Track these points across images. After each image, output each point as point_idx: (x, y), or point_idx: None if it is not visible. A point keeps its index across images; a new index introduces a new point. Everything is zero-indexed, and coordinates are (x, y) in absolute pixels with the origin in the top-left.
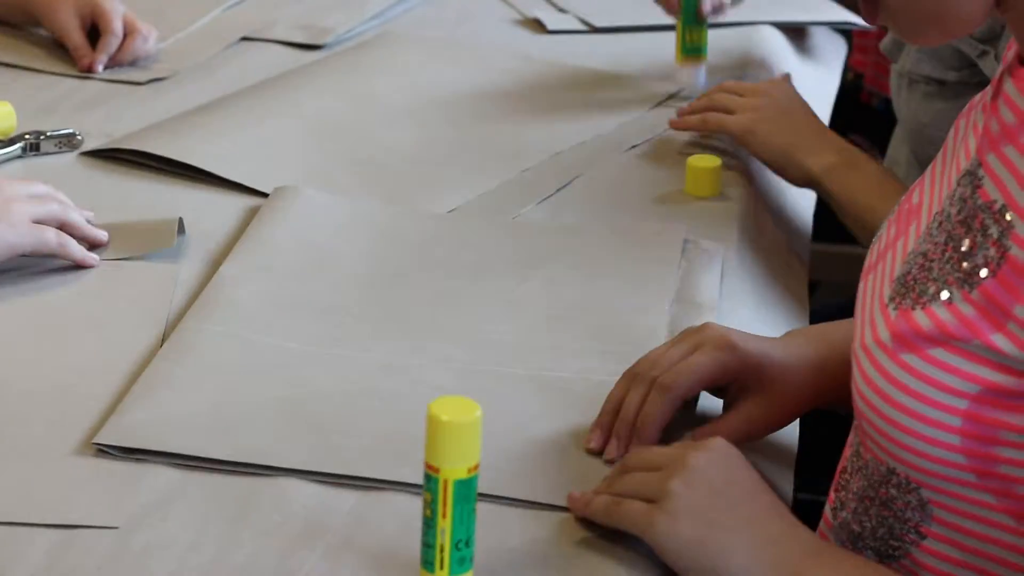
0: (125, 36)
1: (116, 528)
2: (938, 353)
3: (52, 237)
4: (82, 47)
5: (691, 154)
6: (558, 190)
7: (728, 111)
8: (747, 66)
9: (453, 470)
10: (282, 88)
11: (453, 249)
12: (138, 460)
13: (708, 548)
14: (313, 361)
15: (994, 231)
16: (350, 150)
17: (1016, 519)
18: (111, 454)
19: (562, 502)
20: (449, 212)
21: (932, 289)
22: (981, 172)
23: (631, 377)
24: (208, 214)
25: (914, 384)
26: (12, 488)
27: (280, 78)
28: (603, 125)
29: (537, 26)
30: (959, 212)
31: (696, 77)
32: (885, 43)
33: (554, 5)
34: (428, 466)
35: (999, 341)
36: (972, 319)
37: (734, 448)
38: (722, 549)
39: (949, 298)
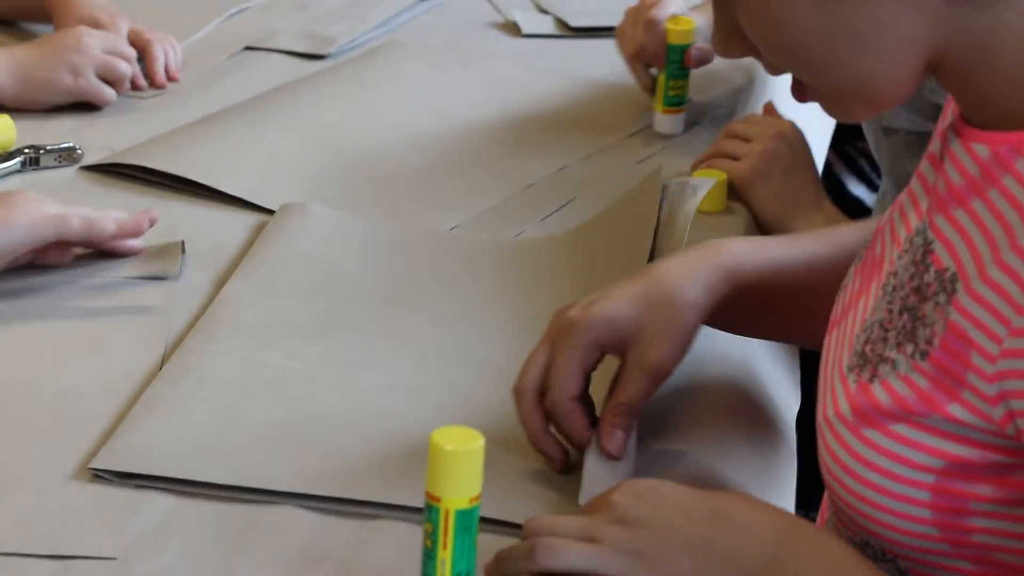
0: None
1: (113, 559)
2: (900, 429)
3: (75, 222)
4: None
5: (696, 169)
6: (561, 207)
7: (735, 157)
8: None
9: (455, 500)
10: (284, 100)
11: (457, 269)
12: (136, 487)
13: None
14: (314, 382)
15: (942, 298)
16: (353, 165)
17: None
18: (107, 479)
19: None
20: (451, 229)
21: (888, 361)
22: (931, 235)
23: (516, 395)
24: (210, 230)
25: (878, 460)
26: (6, 515)
27: (282, 90)
28: (607, 138)
29: (547, 31)
30: (911, 278)
31: (677, 125)
32: None
33: (561, 21)
34: (429, 495)
35: (957, 411)
36: (928, 391)
37: (647, 481)
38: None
39: (904, 370)
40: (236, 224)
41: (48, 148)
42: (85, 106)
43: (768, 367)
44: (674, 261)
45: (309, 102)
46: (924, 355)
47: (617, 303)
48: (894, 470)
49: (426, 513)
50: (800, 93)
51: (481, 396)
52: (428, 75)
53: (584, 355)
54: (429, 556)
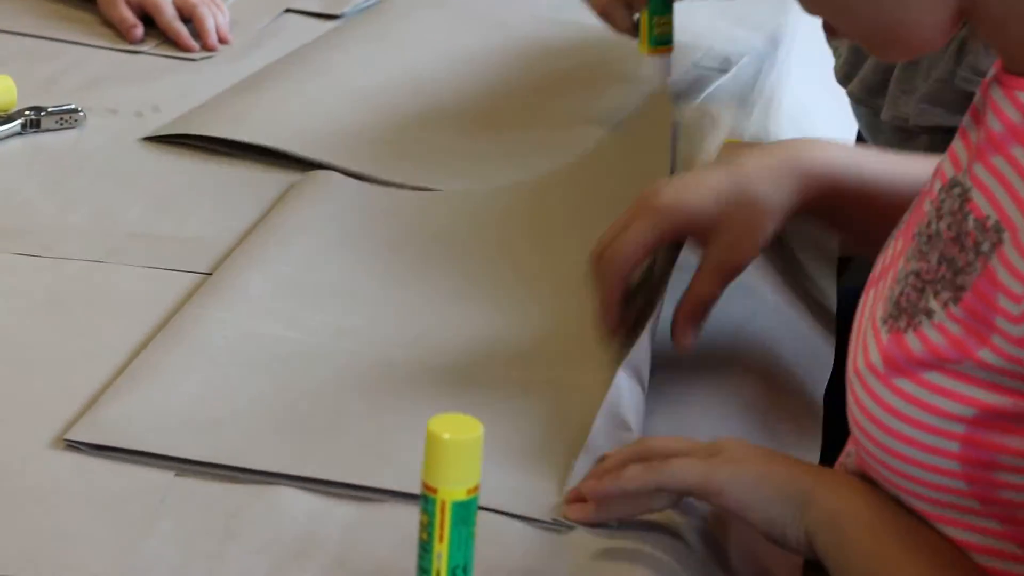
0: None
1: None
2: (932, 377)
3: None
4: (129, 18)
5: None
6: None
7: None
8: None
9: (452, 491)
10: (313, 60)
11: (480, 234)
12: (115, 460)
13: (774, 480)
14: (312, 355)
15: (986, 247)
16: (387, 123)
17: (1021, 547)
18: (84, 451)
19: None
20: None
21: (924, 311)
22: (968, 183)
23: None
24: (249, 191)
25: (908, 410)
26: None
27: (308, 49)
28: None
29: None
30: (950, 228)
31: (665, 68)
32: (837, 69)
33: None
34: (425, 486)
35: (987, 356)
36: (960, 337)
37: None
38: (788, 476)
39: (939, 318)
40: (276, 186)
41: (49, 110)
42: (122, 69)
43: (800, 331)
44: (760, 163)
45: (339, 60)
46: (957, 300)
47: (706, 198)
48: (924, 420)
49: (422, 504)
50: (831, 32)
51: (489, 376)
52: (449, 29)
53: (659, 239)
54: (425, 549)
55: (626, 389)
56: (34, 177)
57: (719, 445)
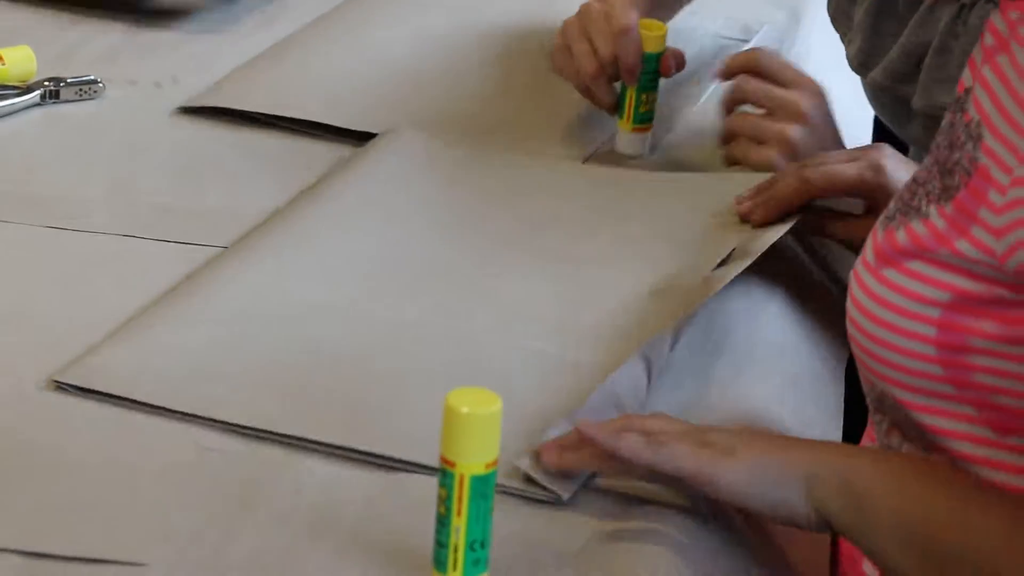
0: None
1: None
2: (914, 265)
3: None
4: None
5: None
6: None
7: (756, 138)
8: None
9: (470, 465)
10: (338, 30)
11: (534, 204)
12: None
13: (772, 464)
14: (335, 316)
15: (969, 145)
16: (433, 96)
17: (997, 431)
18: (76, 395)
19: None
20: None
21: (915, 209)
22: (965, 96)
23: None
24: (271, 162)
25: (891, 297)
26: None
27: (332, 19)
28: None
29: None
30: (946, 137)
31: (644, 145)
32: (851, 57)
33: None
34: (444, 460)
35: (963, 247)
36: (942, 230)
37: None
38: (787, 459)
39: (926, 214)
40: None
41: (68, 81)
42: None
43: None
44: None
45: (371, 26)
46: (949, 199)
47: None
48: (905, 306)
49: (440, 478)
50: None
51: (509, 349)
52: None
53: (854, 187)
54: (443, 523)
55: (629, 373)
56: (54, 148)
57: (710, 434)
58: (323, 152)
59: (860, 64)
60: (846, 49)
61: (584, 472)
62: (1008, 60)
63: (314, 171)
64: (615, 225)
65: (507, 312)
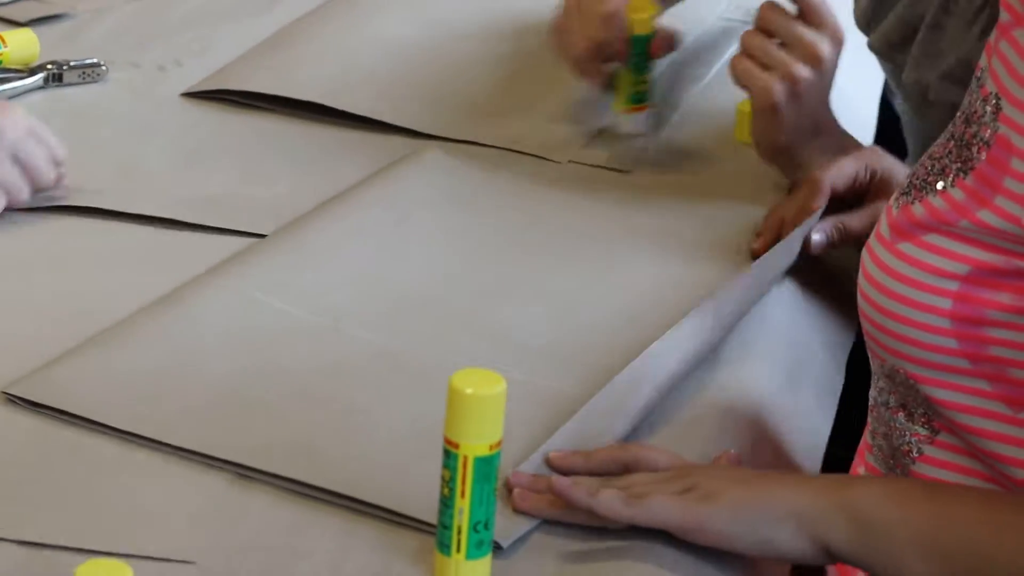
0: None
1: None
2: (931, 238)
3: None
4: None
5: (742, 98)
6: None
7: (764, 62)
8: None
9: (474, 446)
10: (346, 14)
11: (541, 227)
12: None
13: (756, 505)
14: (308, 338)
15: (988, 118)
16: (452, 82)
17: (1011, 406)
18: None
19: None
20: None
21: (931, 184)
22: (982, 74)
23: None
24: (276, 145)
25: (907, 271)
26: None
27: (337, 3)
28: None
29: None
30: (963, 112)
31: (642, 124)
32: (858, 16)
33: None
34: (447, 441)
35: (986, 217)
36: (962, 202)
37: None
38: (771, 498)
39: (944, 187)
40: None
41: (72, 64)
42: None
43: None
44: None
45: (381, 14)
46: (969, 171)
47: None
48: (921, 279)
49: (444, 460)
50: None
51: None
52: None
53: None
54: (446, 505)
55: (606, 401)
56: (57, 131)
57: (694, 477)
58: (329, 136)
59: (865, 24)
60: (854, 6)
61: (532, 523)
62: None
63: (318, 155)
64: (620, 256)
65: (491, 341)
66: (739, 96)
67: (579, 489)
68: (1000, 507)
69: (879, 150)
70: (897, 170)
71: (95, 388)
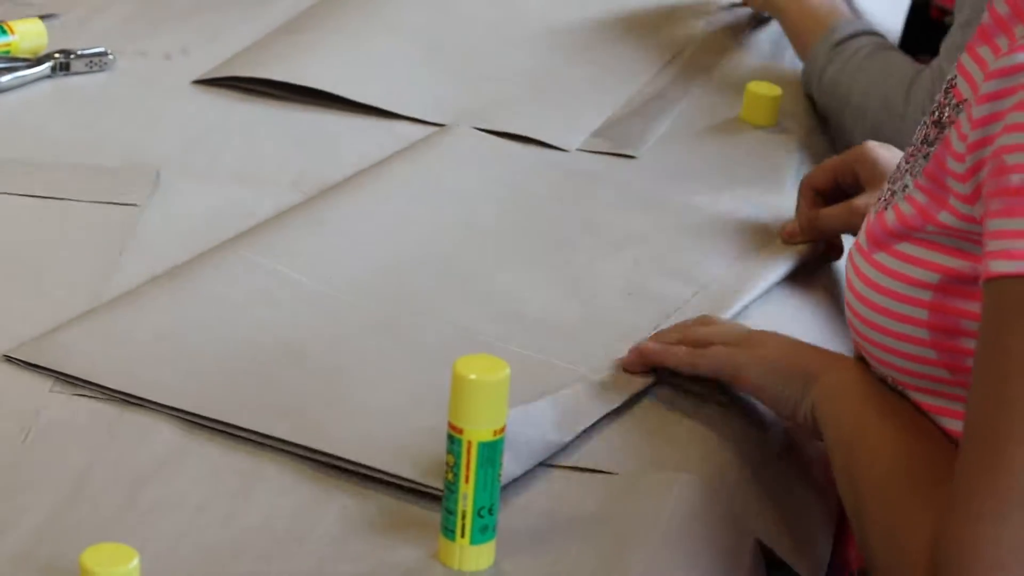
0: None
1: None
2: (903, 247)
3: None
4: None
5: (751, 79)
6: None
7: None
8: None
9: (477, 432)
10: (379, 3)
11: (553, 208)
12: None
13: (788, 362)
14: (314, 306)
15: (950, 121)
16: (462, 71)
17: None
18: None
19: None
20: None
21: (900, 187)
22: (954, 71)
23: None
24: (284, 132)
25: (884, 281)
26: None
27: None
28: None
29: None
30: (933, 113)
31: None
32: None
33: None
34: (451, 426)
35: (946, 218)
36: (924, 206)
37: None
38: (801, 360)
39: (909, 191)
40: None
41: (79, 53)
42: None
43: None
44: None
45: (404, 4)
46: (922, 170)
47: None
48: (897, 289)
49: (448, 445)
50: None
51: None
52: None
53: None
54: (451, 490)
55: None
56: (65, 119)
57: (751, 335)
58: (335, 123)
59: None
60: None
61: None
62: (1007, 42)
63: (326, 142)
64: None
65: (494, 315)
66: (747, 78)
67: (655, 348)
68: (909, 436)
69: (870, 146)
70: (885, 169)
71: (97, 352)
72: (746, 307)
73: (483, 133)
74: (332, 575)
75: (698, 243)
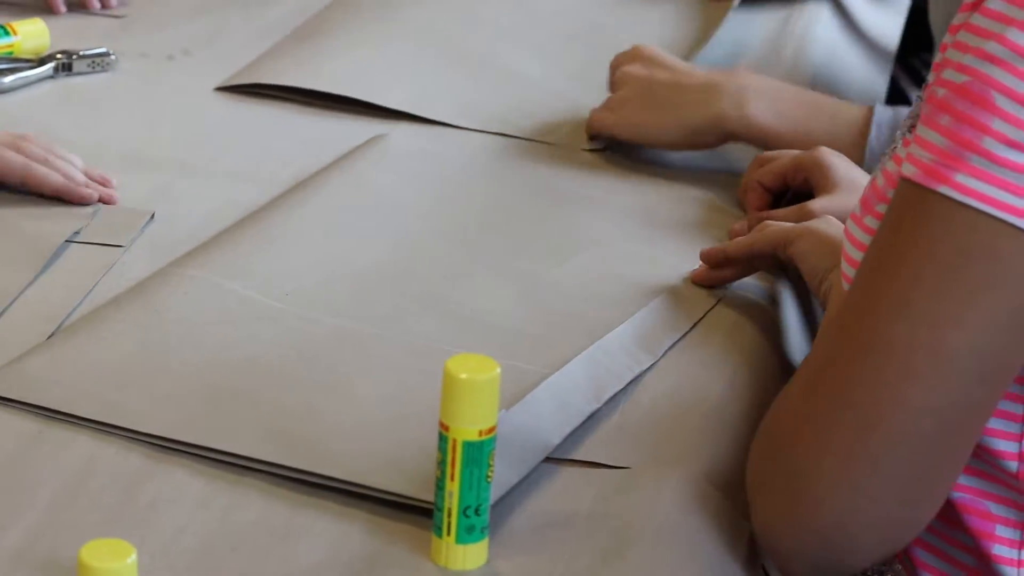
0: None
1: None
2: (884, 208)
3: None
4: None
5: None
6: None
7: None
8: None
9: (463, 430)
10: (371, 6)
11: (519, 209)
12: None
13: (828, 239)
14: (274, 322)
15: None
16: (471, 72)
17: None
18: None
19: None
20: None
21: (890, 152)
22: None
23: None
24: (287, 134)
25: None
26: None
27: None
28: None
29: None
30: (924, 90)
31: None
32: None
33: None
34: (440, 423)
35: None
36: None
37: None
38: (833, 244)
39: (897, 150)
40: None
41: (81, 54)
42: (157, 13)
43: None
44: None
45: (411, 6)
46: (908, 129)
47: None
48: None
49: (438, 441)
50: None
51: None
52: None
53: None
54: (439, 486)
55: (571, 376)
56: (67, 120)
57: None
58: (335, 124)
59: None
60: None
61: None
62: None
63: (327, 143)
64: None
65: (457, 321)
66: None
67: (716, 250)
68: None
69: (823, 151)
70: (837, 175)
71: (64, 381)
72: (719, 301)
73: (475, 132)
74: (328, 571)
75: (663, 243)
